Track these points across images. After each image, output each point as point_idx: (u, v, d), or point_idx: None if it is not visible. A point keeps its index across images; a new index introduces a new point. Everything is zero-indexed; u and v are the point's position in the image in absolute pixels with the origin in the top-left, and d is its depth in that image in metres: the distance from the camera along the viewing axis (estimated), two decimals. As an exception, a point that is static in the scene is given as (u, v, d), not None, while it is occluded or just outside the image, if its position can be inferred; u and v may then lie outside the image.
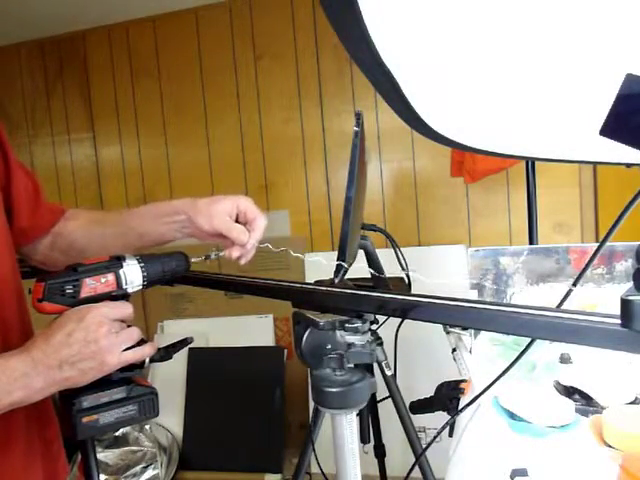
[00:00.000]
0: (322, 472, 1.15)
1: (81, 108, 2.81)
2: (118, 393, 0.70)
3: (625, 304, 0.40)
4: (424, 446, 1.43)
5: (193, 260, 0.79)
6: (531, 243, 1.88)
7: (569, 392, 1.04)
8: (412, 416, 1.37)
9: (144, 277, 0.71)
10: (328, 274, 0.89)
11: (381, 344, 1.16)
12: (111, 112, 2.77)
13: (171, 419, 2.45)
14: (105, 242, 0.82)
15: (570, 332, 0.45)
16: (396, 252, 1.45)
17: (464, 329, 1.37)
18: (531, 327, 0.48)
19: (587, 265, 0.43)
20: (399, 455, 1.93)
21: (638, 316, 0.39)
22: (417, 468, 1.38)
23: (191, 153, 2.68)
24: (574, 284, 0.44)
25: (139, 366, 0.72)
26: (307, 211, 2.57)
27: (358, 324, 0.68)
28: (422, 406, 1.34)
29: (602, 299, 1.30)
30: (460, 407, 1.19)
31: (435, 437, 0.76)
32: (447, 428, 0.85)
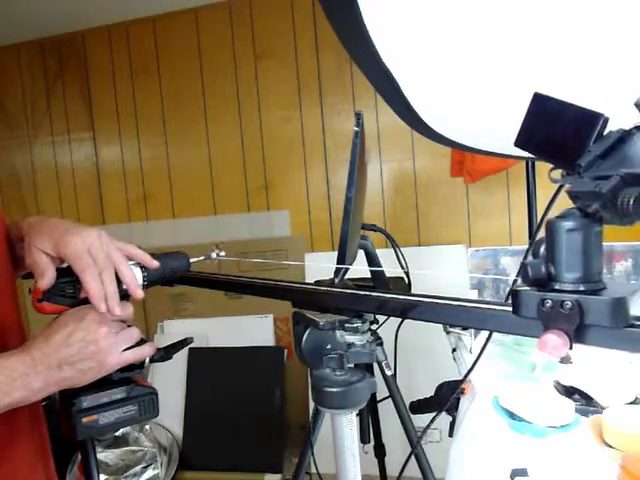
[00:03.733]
0: (318, 473, 1.15)
1: (81, 108, 2.81)
2: (118, 393, 0.70)
3: (514, 294, 0.46)
4: (423, 445, 1.43)
5: (193, 260, 0.79)
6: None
7: (569, 392, 1.04)
8: (412, 416, 1.37)
9: (144, 277, 0.71)
10: (328, 274, 0.89)
11: (381, 344, 1.16)
12: (111, 112, 2.77)
13: (171, 419, 2.45)
14: None
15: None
16: (396, 252, 1.45)
17: (464, 329, 1.37)
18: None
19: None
20: (399, 455, 1.93)
21: (523, 304, 0.45)
22: (417, 468, 1.38)
23: (191, 153, 2.68)
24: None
25: (139, 366, 0.72)
26: (307, 211, 2.56)
27: (358, 324, 0.68)
28: (422, 406, 1.34)
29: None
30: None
31: (426, 429, 0.76)
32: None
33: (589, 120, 0.41)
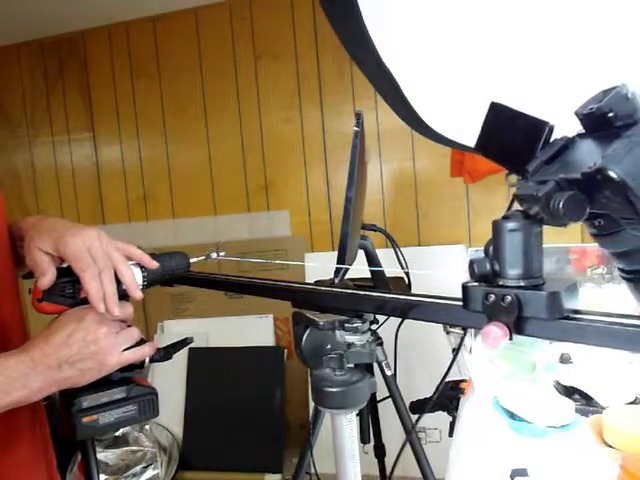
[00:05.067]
0: (316, 474, 1.15)
1: (81, 108, 2.81)
2: (118, 393, 0.70)
3: (463, 290, 0.50)
4: (423, 445, 1.43)
5: (193, 260, 0.79)
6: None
7: (569, 392, 1.04)
8: (412, 416, 1.37)
9: (144, 277, 0.71)
10: (328, 274, 0.89)
11: (381, 344, 1.16)
12: (111, 112, 2.77)
13: (171, 419, 2.45)
14: None
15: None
16: (396, 252, 1.45)
17: (464, 329, 1.37)
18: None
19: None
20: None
21: (471, 298, 0.50)
22: (417, 469, 1.38)
23: (191, 153, 2.68)
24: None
25: (139, 366, 0.72)
26: (307, 211, 2.57)
27: (358, 324, 0.68)
28: (422, 406, 1.34)
29: (602, 299, 1.30)
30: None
31: (424, 412, 0.75)
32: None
33: (536, 128, 0.44)
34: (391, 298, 0.63)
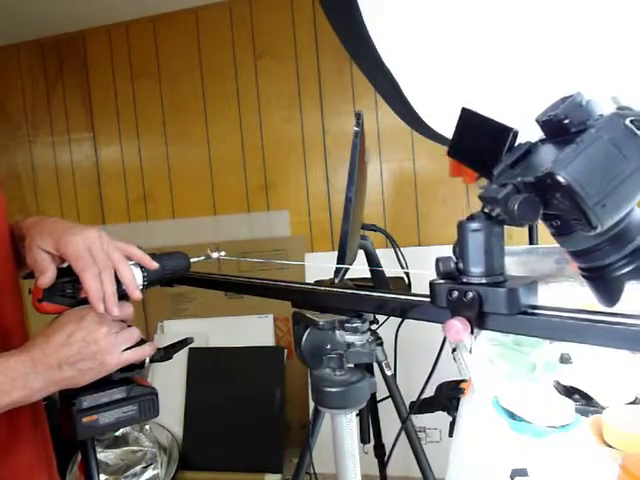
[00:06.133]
0: (315, 474, 1.15)
1: (81, 108, 2.81)
2: (118, 393, 0.70)
3: (431, 287, 0.53)
4: (423, 445, 1.43)
5: (193, 260, 0.79)
6: (531, 243, 1.88)
7: (569, 392, 1.04)
8: (412, 416, 1.37)
9: (144, 277, 0.71)
10: (328, 274, 0.89)
11: (381, 344, 1.16)
12: (111, 112, 2.77)
13: (171, 419, 2.45)
14: None
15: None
16: (396, 252, 1.45)
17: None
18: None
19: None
20: (399, 455, 1.93)
21: (436, 295, 0.53)
22: (417, 468, 1.38)
23: (191, 153, 2.68)
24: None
25: (139, 366, 0.72)
26: (307, 211, 2.56)
27: (357, 324, 0.68)
28: (422, 406, 1.34)
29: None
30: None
31: (420, 395, 0.75)
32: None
33: (502, 133, 0.47)
34: (391, 298, 0.63)
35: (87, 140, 2.83)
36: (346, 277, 0.88)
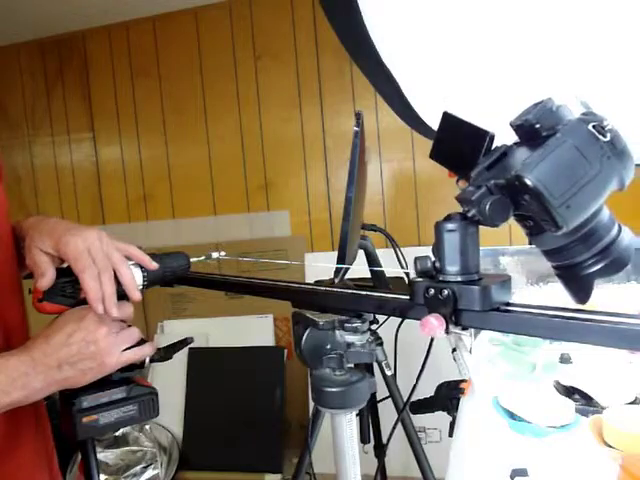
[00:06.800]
0: (313, 474, 1.15)
1: (81, 108, 2.81)
2: (118, 393, 0.70)
3: (410, 285, 0.55)
4: (423, 445, 1.43)
5: (193, 260, 0.79)
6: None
7: (569, 392, 1.04)
8: (412, 416, 1.37)
9: (144, 277, 0.71)
10: (328, 274, 0.89)
11: (381, 344, 1.16)
12: (111, 112, 2.77)
13: (171, 419, 2.45)
14: None
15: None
16: (396, 252, 1.45)
17: (464, 329, 1.37)
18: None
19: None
20: (399, 455, 1.94)
21: (415, 293, 0.55)
22: (417, 469, 1.38)
23: (191, 153, 2.68)
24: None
25: (139, 366, 0.72)
26: (307, 211, 2.56)
27: (357, 324, 0.68)
28: (422, 406, 1.34)
29: (602, 299, 1.30)
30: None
31: (417, 381, 0.76)
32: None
33: (479, 137, 0.48)
34: (391, 298, 0.63)
35: (87, 140, 2.83)
36: (346, 277, 0.88)
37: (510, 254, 1.43)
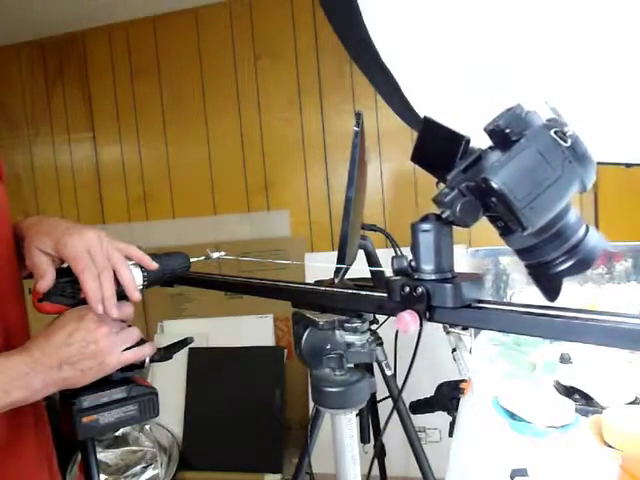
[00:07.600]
0: (312, 474, 1.15)
1: (81, 108, 2.81)
2: (118, 393, 0.70)
3: (387, 283, 0.57)
4: (423, 445, 1.43)
5: (193, 260, 0.79)
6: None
7: (569, 392, 1.04)
8: (412, 416, 1.37)
9: (144, 277, 0.71)
10: (328, 274, 0.89)
11: (381, 344, 1.16)
12: (111, 112, 2.77)
13: (171, 419, 2.45)
14: None
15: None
16: (396, 252, 1.45)
17: (464, 329, 1.37)
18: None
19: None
20: (399, 455, 1.93)
21: (392, 290, 0.57)
22: (417, 469, 1.38)
23: (191, 153, 2.68)
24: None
25: (139, 366, 0.72)
26: (307, 211, 2.56)
27: (357, 324, 0.68)
28: (422, 406, 1.34)
29: (602, 298, 1.30)
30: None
31: (410, 369, 0.75)
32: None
33: (456, 141, 0.50)
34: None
35: (87, 140, 2.83)
36: (346, 277, 0.88)
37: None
